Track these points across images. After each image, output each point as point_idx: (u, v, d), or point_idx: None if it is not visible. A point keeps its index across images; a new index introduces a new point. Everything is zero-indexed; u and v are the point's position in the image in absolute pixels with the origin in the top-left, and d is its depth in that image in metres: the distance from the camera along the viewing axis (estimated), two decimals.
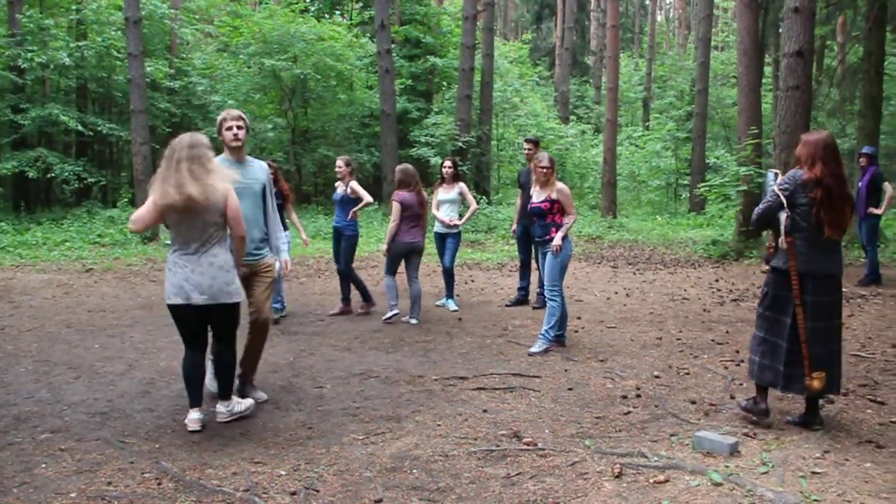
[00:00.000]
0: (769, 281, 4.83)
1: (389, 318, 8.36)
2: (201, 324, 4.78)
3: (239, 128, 5.32)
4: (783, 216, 4.67)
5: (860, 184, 10.55)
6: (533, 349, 6.82)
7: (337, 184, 8.93)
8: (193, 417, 4.78)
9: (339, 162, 8.79)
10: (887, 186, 10.60)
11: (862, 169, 10.73)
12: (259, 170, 5.46)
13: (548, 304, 6.97)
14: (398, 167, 8.72)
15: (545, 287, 7.07)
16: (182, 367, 4.84)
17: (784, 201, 4.65)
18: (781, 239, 4.69)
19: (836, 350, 4.73)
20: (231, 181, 4.76)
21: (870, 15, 14.92)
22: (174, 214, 4.56)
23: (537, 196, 7.07)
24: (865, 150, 11.03)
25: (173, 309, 4.69)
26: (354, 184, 8.65)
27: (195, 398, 4.81)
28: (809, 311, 4.64)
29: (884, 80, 15.90)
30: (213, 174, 4.61)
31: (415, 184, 8.35)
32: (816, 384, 4.59)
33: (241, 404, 5.02)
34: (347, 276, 8.81)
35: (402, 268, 8.50)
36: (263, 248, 5.41)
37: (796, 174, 4.67)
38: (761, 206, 4.80)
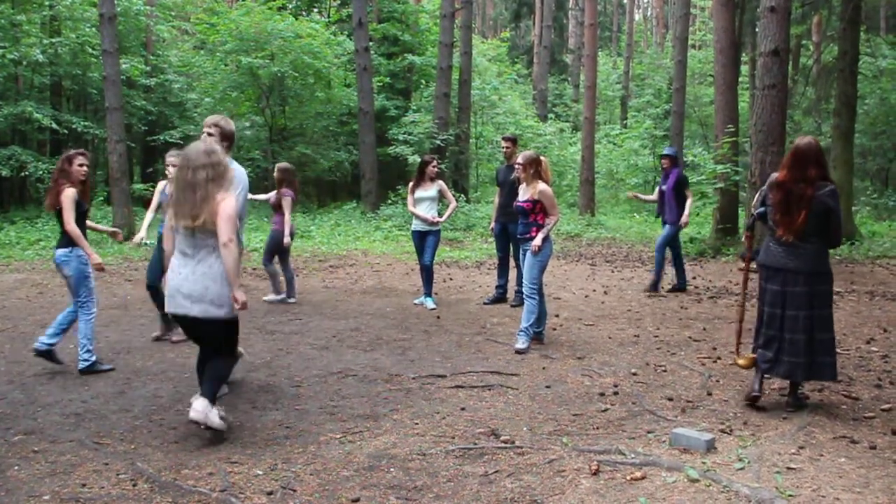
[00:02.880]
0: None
1: (275, 301, 9.22)
2: (194, 333, 4.72)
3: (209, 134, 5.39)
4: (755, 211, 5.23)
5: (664, 187, 9.92)
6: (518, 346, 6.83)
7: (163, 183, 7.60)
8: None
9: (171, 159, 7.26)
10: (688, 193, 9.93)
11: (664, 171, 10.07)
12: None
13: (526, 302, 6.98)
14: (281, 166, 9.33)
15: (524, 285, 7.08)
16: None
17: (758, 200, 5.17)
18: (745, 231, 5.37)
19: (792, 339, 4.99)
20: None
21: (844, 14, 15.08)
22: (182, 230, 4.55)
23: (522, 195, 7.11)
24: (667, 151, 10.33)
25: (172, 316, 4.67)
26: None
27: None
28: (766, 297, 5.12)
29: (858, 79, 16.07)
30: (227, 191, 4.51)
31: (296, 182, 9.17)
32: (741, 362, 5.25)
33: (217, 420, 4.54)
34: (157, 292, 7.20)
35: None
36: None
37: (771, 176, 5.14)
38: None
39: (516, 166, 7.16)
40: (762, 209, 5.18)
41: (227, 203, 4.45)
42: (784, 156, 5.23)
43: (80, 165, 6.20)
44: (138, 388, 5.71)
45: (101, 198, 18.79)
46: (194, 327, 4.64)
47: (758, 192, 5.29)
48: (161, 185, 7.60)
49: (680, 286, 10.13)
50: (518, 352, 6.76)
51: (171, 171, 7.08)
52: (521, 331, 6.92)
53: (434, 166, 9.10)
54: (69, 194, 6.09)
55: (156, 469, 4.11)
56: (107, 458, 4.27)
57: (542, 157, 7.17)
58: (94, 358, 6.16)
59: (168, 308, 4.59)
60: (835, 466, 4.08)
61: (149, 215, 7.59)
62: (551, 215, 6.98)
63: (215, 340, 4.67)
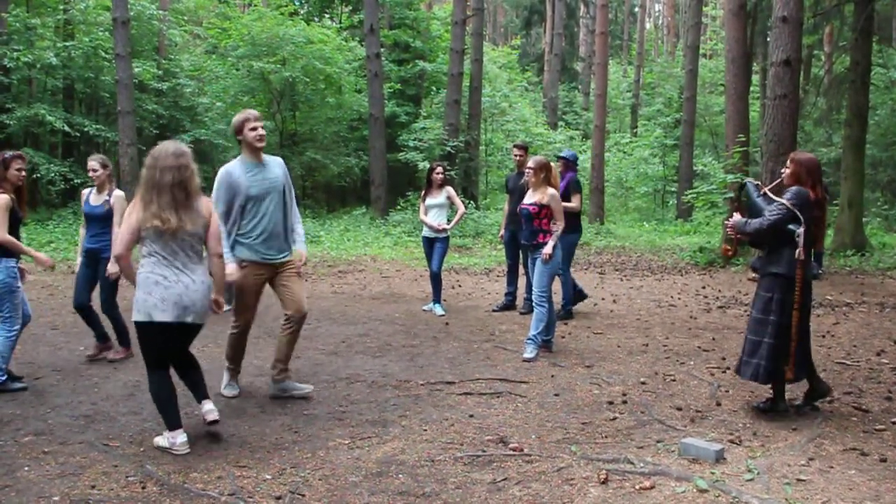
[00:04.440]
0: (775, 286, 5.10)
1: None
2: (177, 342, 4.56)
3: (263, 128, 5.41)
4: (800, 230, 4.94)
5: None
6: (527, 355, 6.82)
7: (87, 191, 6.83)
8: (182, 441, 4.41)
9: (93, 163, 6.66)
10: (574, 199, 8.67)
11: (560, 175, 8.51)
12: (278, 167, 5.56)
13: (535, 310, 6.96)
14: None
15: (534, 293, 7.06)
16: (155, 391, 4.50)
17: (800, 216, 4.95)
18: (799, 250, 4.98)
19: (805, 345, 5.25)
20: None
21: (856, 25, 15.04)
22: (155, 235, 4.35)
23: (528, 198, 7.10)
24: (565, 154, 9.07)
25: (159, 327, 4.37)
26: (120, 194, 6.72)
27: (176, 419, 4.46)
28: (805, 313, 5.09)
29: (870, 89, 16.02)
30: (197, 194, 4.43)
31: None
32: (790, 375, 5.11)
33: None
34: (110, 316, 6.86)
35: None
36: (287, 247, 5.58)
37: (801, 192, 5.00)
38: (771, 217, 5.02)
39: (527, 171, 7.16)
40: (801, 228, 4.98)
41: (216, 216, 4.62)
42: (800, 171, 5.10)
43: (18, 170, 5.73)
44: (147, 391, 5.71)
45: None
46: (182, 335, 4.54)
47: (776, 206, 5.00)
48: (84, 192, 6.88)
49: (567, 313, 8.93)
50: (526, 360, 6.75)
51: (92, 175, 6.68)
52: (530, 339, 6.90)
53: (438, 172, 9.11)
54: (3, 201, 5.57)
55: (165, 472, 4.12)
56: (116, 461, 4.28)
57: (552, 164, 7.17)
58: (4, 377, 5.65)
59: (165, 318, 4.33)
60: (845, 479, 4.06)
61: (82, 231, 6.84)
62: (558, 221, 6.93)
63: (188, 346, 4.71)
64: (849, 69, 15.77)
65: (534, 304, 7.03)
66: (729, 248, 5.60)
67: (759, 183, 5.44)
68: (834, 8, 16.65)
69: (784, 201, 4.99)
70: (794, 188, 5.06)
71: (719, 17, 34.55)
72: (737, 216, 5.29)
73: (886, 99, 22.01)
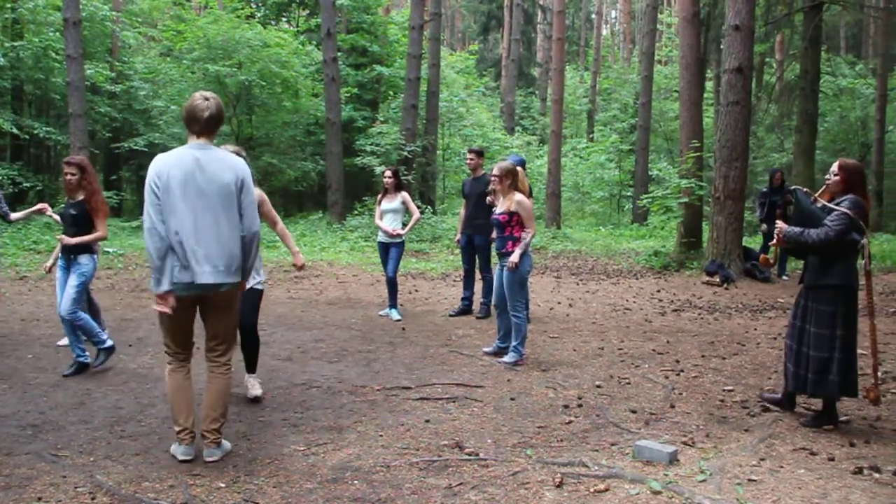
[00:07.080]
0: (839, 299, 4.94)
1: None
2: None
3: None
4: (864, 240, 4.87)
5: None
6: (505, 359, 6.84)
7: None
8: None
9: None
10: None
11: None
12: None
13: (512, 321, 6.86)
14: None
15: (508, 305, 6.87)
16: None
17: (863, 226, 4.84)
18: (865, 261, 4.94)
19: None
20: None
21: (806, 34, 15.38)
22: None
23: (498, 207, 6.93)
24: (514, 159, 8.38)
25: None
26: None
27: None
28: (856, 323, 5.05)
29: (819, 97, 16.39)
30: None
31: None
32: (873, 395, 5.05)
33: None
34: None
35: None
36: None
37: (859, 201, 4.88)
38: (837, 227, 4.81)
39: (492, 178, 6.96)
40: (864, 239, 4.91)
41: None
42: (853, 179, 4.95)
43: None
44: (98, 399, 5.62)
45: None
46: None
47: (838, 216, 4.82)
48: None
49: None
50: (504, 363, 6.78)
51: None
52: (513, 348, 6.85)
53: (387, 177, 9.09)
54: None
55: (115, 482, 4.04)
56: (65, 471, 4.19)
57: (518, 168, 6.95)
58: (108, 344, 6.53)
59: None
60: (794, 478, 4.13)
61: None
62: (528, 228, 6.75)
63: None
64: (799, 77, 16.14)
65: (510, 314, 6.87)
66: (770, 257, 5.59)
67: (808, 190, 5.29)
68: (784, 17, 17.03)
69: (846, 210, 4.80)
70: (851, 197, 4.89)
71: (674, 25, 35.03)
72: (783, 225, 5.12)
73: (835, 106, 22.57)
